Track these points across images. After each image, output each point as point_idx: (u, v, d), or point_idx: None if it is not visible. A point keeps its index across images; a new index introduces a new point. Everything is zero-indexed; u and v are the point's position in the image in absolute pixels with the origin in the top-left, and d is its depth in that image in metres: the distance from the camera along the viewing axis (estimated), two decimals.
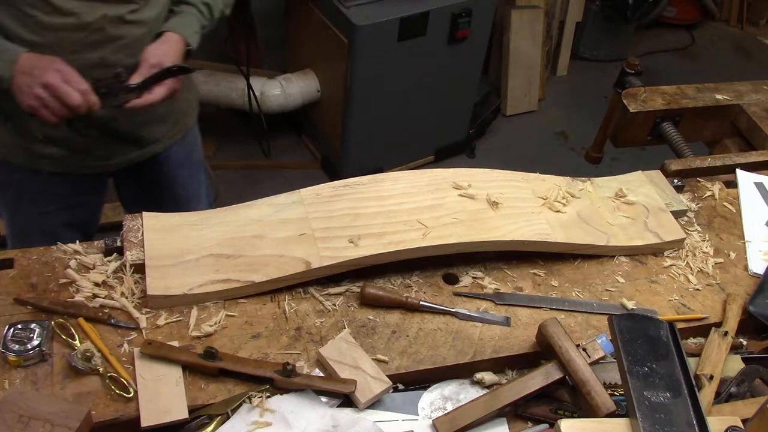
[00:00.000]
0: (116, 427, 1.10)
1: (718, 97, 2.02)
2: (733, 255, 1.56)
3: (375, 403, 1.19)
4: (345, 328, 1.27)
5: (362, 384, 1.17)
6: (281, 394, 1.17)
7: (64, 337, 1.17)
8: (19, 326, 1.16)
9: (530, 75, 4.06)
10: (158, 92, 1.49)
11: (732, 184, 1.74)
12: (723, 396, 1.26)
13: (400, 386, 1.23)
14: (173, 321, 1.24)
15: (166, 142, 1.78)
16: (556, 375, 1.20)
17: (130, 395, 1.11)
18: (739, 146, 2.01)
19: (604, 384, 1.20)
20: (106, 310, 1.23)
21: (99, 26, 1.46)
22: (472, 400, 1.19)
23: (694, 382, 1.17)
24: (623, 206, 1.56)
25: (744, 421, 1.14)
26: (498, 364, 1.28)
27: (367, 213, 1.39)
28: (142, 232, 1.32)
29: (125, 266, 1.29)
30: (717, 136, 2.08)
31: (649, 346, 1.20)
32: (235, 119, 3.58)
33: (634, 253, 1.51)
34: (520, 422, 1.21)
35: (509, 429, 1.19)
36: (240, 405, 1.14)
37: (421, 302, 1.32)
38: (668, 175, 1.71)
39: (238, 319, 1.27)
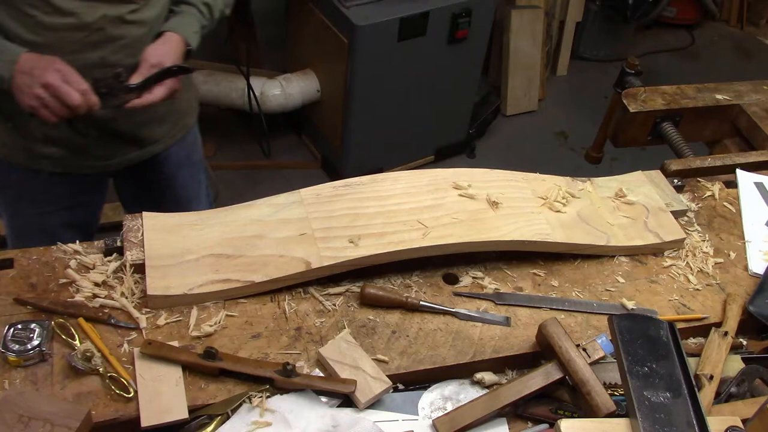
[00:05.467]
0: (116, 427, 1.10)
1: (718, 97, 2.02)
2: (733, 255, 1.55)
3: (375, 403, 1.19)
4: (345, 328, 1.27)
5: (362, 384, 1.17)
6: (281, 394, 1.17)
7: (64, 337, 1.17)
8: (19, 326, 1.16)
9: (530, 75, 4.06)
10: (158, 92, 1.49)
11: (732, 184, 1.74)
12: (723, 396, 1.26)
13: (400, 386, 1.23)
14: (173, 321, 1.24)
15: (166, 142, 1.78)
16: (556, 375, 1.20)
17: (130, 395, 1.11)
18: (739, 146, 2.01)
19: (604, 384, 1.20)
20: (106, 310, 1.23)
21: (99, 26, 1.46)
22: (472, 400, 1.19)
23: (694, 382, 1.17)
24: (623, 206, 1.56)
25: (744, 421, 1.14)
26: (498, 364, 1.28)
27: (367, 213, 1.39)
28: (142, 232, 1.32)
29: (125, 266, 1.29)
30: (717, 136, 2.08)
31: (649, 346, 1.20)
32: (235, 119, 3.58)
33: (634, 253, 1.51)
34: (520, 422, 1.21)
35: (509, 429, 1.19)
36: (240, 405, 1.14)
37: (421, 302, 1.32)
38: (668, 175, 1.71)
39: (238, 319, 1.27)
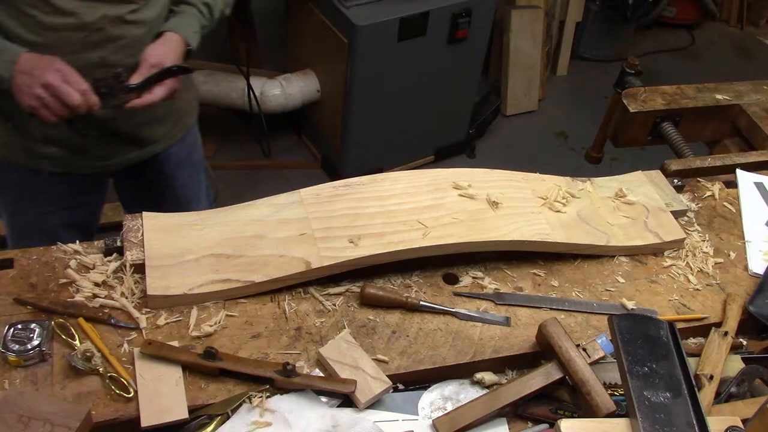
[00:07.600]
0: (116, 427, 1.10)
1: (718, 97, 2.02)
2: (733, 255, 1.55)
3: (375, 403, 1.19)
4: (345, 328, 1.27)
5: (362, 384, 1.17)
6: (281, 394, 1.17)
7: (64, 337, 1.17)
8: (19, 326, 1.16)
9: (530, 75, 4.06)
10: (158, 92, 1.49)
11: (732, 184, 1.74)
12: (723, 396, 1.26)
13: (400, 386, 1.23)
14: (173, 321, 1.24)
15: (166, 142, 1.78)
16: (556, 375, 1.20)
17: (130, 395, 1.11)
18: (739, 146, 2.01)
19: (604, 384, 1.20)
20: (106, 310, 1.23)
21: (99, 26, 1.46)
22: (472, 400, 1.19)
23: (694, 382, 1.17)
24: (623, 206, 1.56)
25: (744, 421, 1.14)
26: (498, 364, 1.28)
27: (367, 213, 1.39)
28: (142, 232, 1.32)
29: (125, 266, 1.29)
30: (717, 136, 2.08)
31: (649, 346, 1.20)
32: (235, 119, 3.58)
33: (634, 253, 1.51)
34: (520, 422, 1.21)
35: (509, 429, 1.19)
36: (240, 405, 1.14)
37: (421, 302, 1.32)
38: (668, 175, 1.71)
39: (238, 319, 1.27)
